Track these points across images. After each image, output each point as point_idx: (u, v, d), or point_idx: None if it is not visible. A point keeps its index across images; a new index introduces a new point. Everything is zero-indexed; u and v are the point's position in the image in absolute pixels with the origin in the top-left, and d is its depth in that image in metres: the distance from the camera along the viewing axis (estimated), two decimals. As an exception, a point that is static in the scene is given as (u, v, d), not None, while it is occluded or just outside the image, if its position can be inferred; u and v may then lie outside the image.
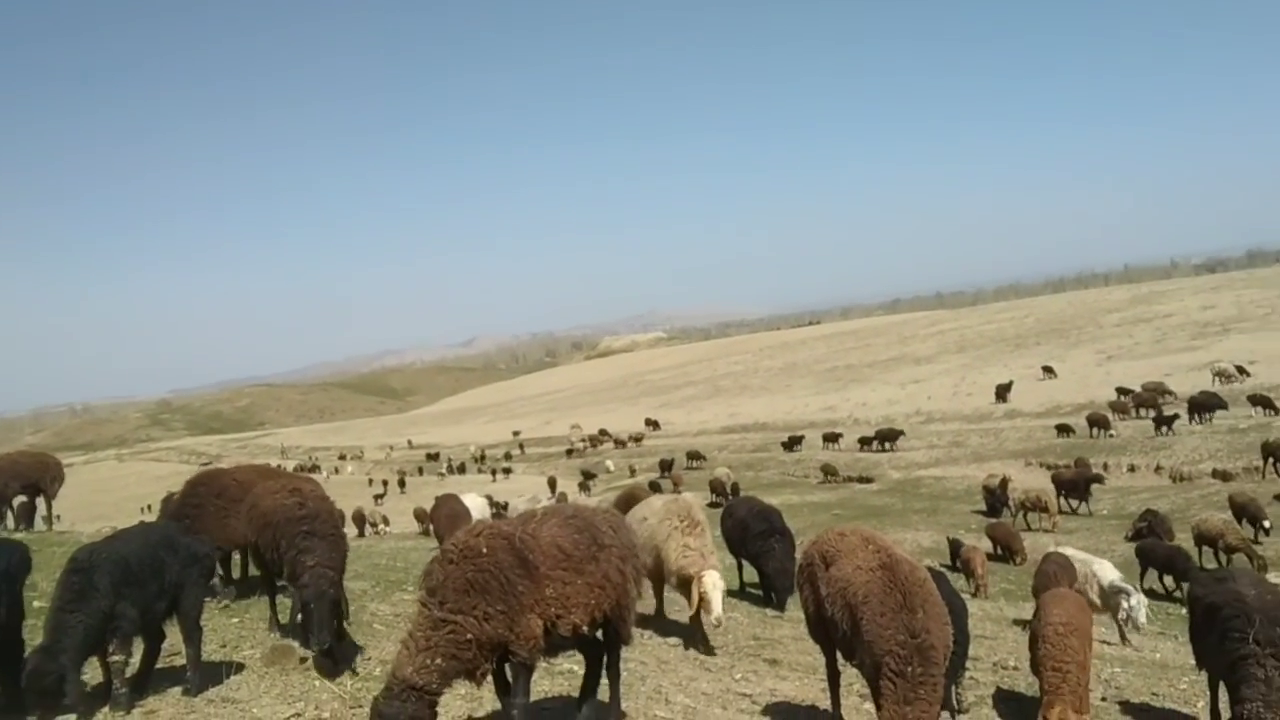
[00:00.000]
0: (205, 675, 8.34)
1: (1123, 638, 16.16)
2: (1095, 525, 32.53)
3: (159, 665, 8.47)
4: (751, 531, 15.54)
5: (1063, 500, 35.56)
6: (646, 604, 13.81)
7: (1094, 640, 10.88)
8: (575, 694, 8.13)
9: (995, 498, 35.70)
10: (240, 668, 8.89)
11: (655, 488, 43.42)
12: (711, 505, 37.61)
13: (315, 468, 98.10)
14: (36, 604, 9.50)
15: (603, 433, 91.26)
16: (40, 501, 19.40)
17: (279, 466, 19.03)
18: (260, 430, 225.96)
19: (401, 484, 76.84)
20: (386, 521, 44.73)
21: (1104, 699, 11.35)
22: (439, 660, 6.42)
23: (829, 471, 51.35)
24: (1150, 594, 18.58)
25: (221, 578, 11.52)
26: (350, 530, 29.18)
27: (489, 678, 6.93)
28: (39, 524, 19.56)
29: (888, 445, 58.18)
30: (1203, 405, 46.20)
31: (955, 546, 25.47)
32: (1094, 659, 10.85)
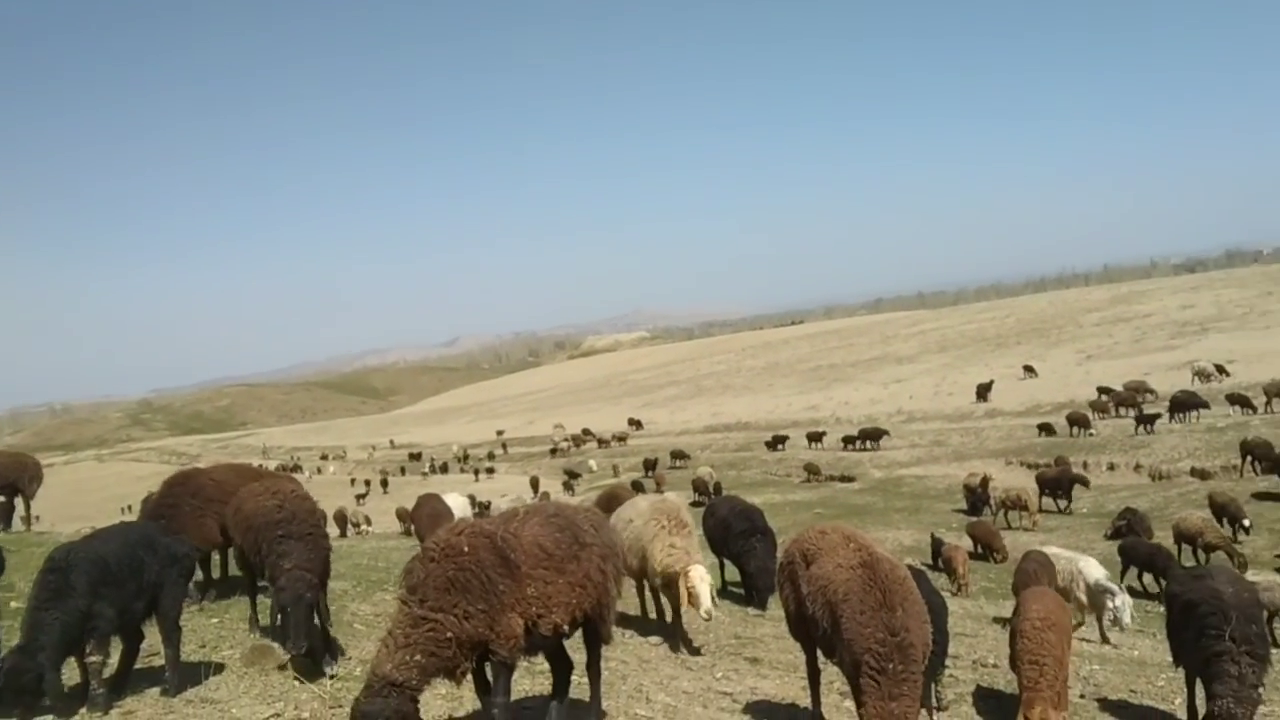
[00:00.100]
0: (184, 676, 8.30)
1: (1103, 636, 16.25)
2: (1075, 524, 32.69)
3: (137, 666, 8.43)
4: (733, 530, 15.56)
5: (1045, 499, 35.74)
6: (630, 604, 13.84)
7: (1073, 637, 10.96)
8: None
9: (976, 496, 35.83)
10: (219, 668, 8.86)
11: (638, 487, 43.43)
12: (694, 504, 37.61)
13: (297, 468, 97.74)
14: (14, 605, 9.46)
15: (586, 432, 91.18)
16: (19, 502, 19.29)
17: (260, 466, 18.93)
18: (242, 430, 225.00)
19: (384, 484, 76.64)
20: (369, 521, 44.62)
21: (1082, 696, 11.41)
22: (418, 657, 6.40)
23: (811, 470, 51.43)
24: (1129, 591, 18.65)
25: (199, 583, 11.46)
26: (332, 530, 29.07)
27: (469, 677, 6.92)
28: (17, 524, 19.45)
29: (871, 444, 58.28)
30: (1184, 404, 46.45)
31: (937, 545, 25.58)
32: (1073, 656, 10.92)
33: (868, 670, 7.02)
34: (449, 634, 6.49)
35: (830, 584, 7.62)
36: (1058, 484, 35.71)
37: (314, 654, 8.62)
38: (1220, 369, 55.50)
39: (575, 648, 7.82)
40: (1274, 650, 16.18)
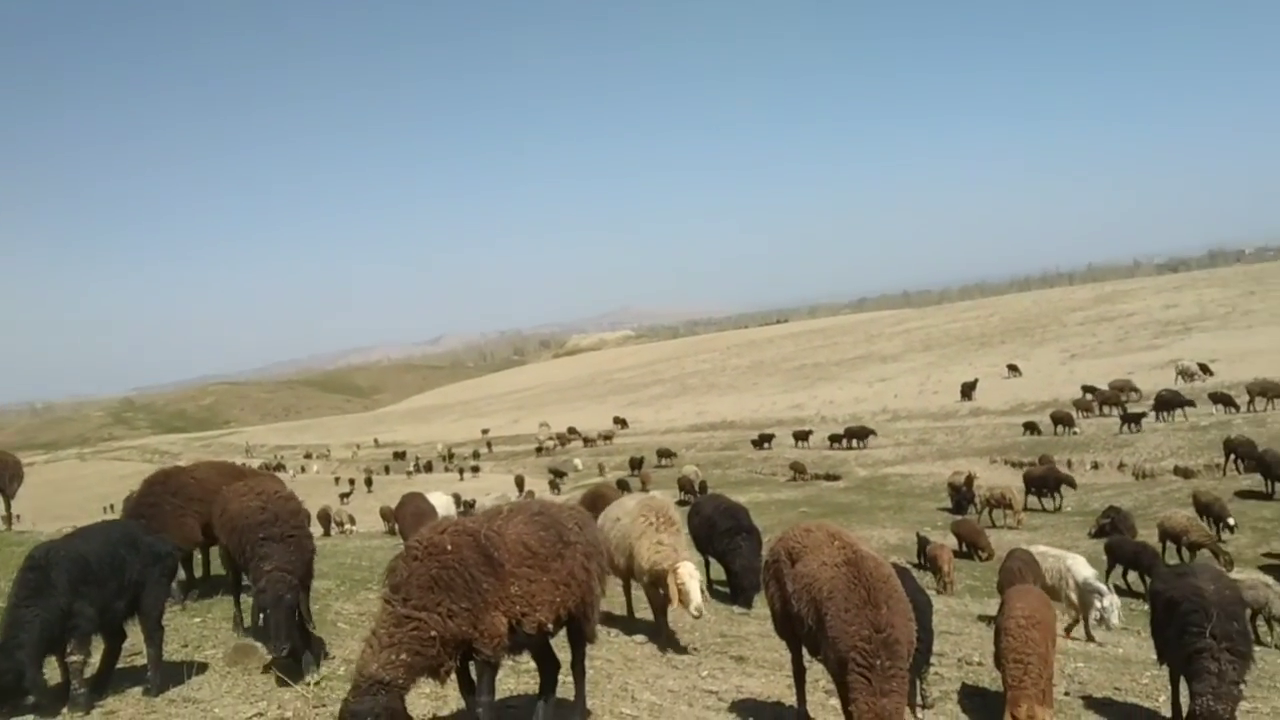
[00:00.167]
0: (166, 675, 8.23)
1: (1087, 633, 16.32)
2: (1059, 522, 32.84)
3: (119, 665, 8.36)
4: (718, 529, 15.57)
5: (1032, 497, 35.92)
6: (616, 603, 13.82)
7: (1057, 635, 10.99)
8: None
9: (961, 495, 35.98)
10: (202, 667, 8.79)
11: (623, 486, 43.42)
12: (680, 503, 37.63)
13: (281, 466, 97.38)
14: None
15: (572, 431, 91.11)
16: (0, 501, 19.17)
17: (244, 465, 18.80)
18: (225, 429, 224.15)
19: (368, 483, 76.40)
20: (352, 520, 44.49)
21: (1067, 694, 11.44)
22: (404, 656, 6.37)
23: (797, 469, 51.52)
24: (1114, 589, 18.72)
25: (182, 582, 11.37)
26: (316, 530, 28.95)
27: (453, 676, 6.89)
28: (-3, 523, 19.32)
29: (858, 443, 58.36)
30: (1170, 403, 46.70)
31: (922, 543, 25.68)
32: (1058, 654, 10.94)
33: (856, 667, 7.02)
34: (433, 632, 6.45)
35: (815, 581, 7.62)
36: (1044, 483, 35.88)
37: (296, 654, 8.57)
38: (1204, 368, 55.80)
39: (561, 646, 7.79)
40: (1263, 647, 16.38)
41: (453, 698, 7.88)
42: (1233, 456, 35.50)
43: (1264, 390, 44.60)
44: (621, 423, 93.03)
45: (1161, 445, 42.40)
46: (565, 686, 8.05)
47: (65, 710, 7.49)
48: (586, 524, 7.74)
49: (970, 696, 10.91)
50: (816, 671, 8.94)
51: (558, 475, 64.21)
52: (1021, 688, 8.97)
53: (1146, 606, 12.60)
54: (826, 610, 7.39)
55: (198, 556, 12.40)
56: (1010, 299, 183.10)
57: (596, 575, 7.59)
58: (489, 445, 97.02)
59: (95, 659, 8.03)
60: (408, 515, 20.06)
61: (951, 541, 28.04)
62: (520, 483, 60.66)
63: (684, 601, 11.08)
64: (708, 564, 16.79)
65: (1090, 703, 11.15)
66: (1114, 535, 25.60)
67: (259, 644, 8.91)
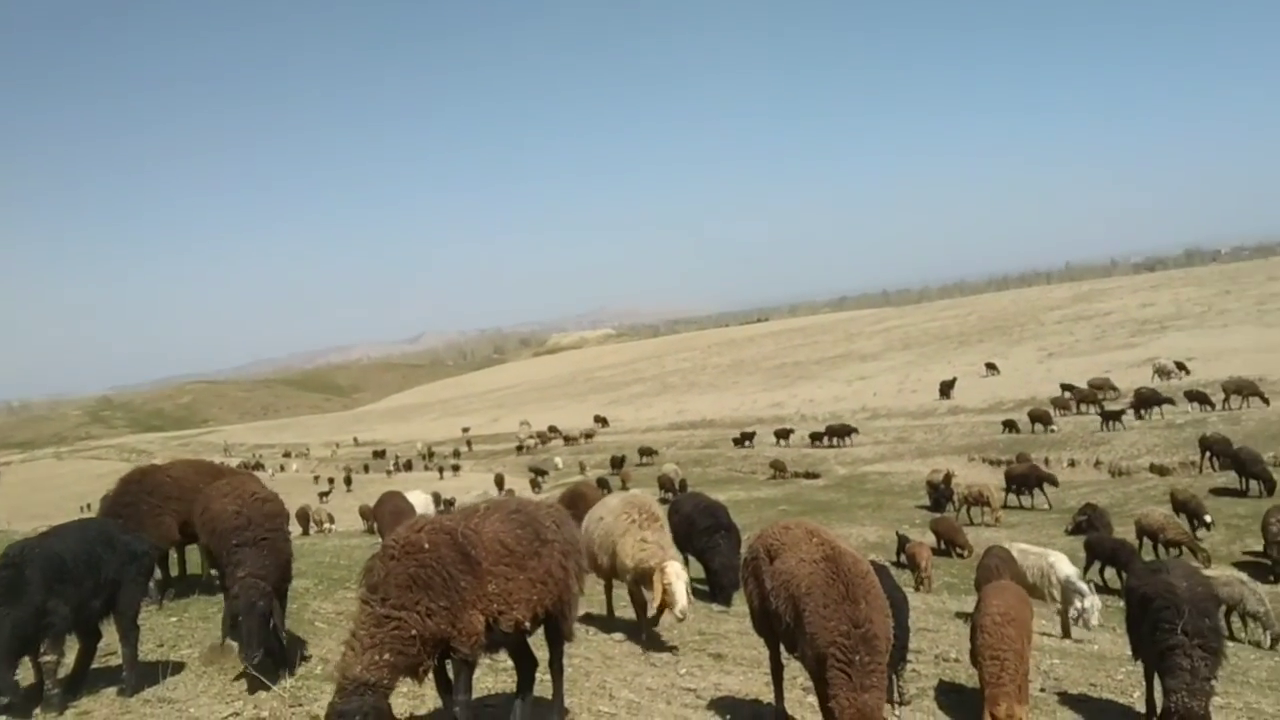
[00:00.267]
0: (142, 675, 8.20)
1: (1064, 630, 16.41)
2: (1036, 519, 33.04)
3: (94, 665, 8.31)
4: (697, 527, 15.56)
5: (1010, 495, 36.14)
6: (595, 602, 13.82)
7: (1033, 632, 11.05)
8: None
9: (939, 492, 36.16)
10: (178, 667, 8.76)
11: (603, 484, 43.45)
12: (660, 501, 37.62)
13: (259, 465, 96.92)
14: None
15: (552, 429, 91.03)
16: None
17: (222, 464, 18.71)
18: (203, 428, 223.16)
19: (348, 482, 76.13)
20: (331, 519, 44.37)
21: (1043, 690, 11.50)
22: (387, 656, 6.35)
23: (777, 467, 51.62)
24: (1093, 586, 18.83)
25: (159, 581, 11.31)
26: (295, 529, 28.86)
27: (430, 675, 6.88)
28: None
29: (839, 441, 58.46)
30: (1149, 400, 47.06)
31: (902, 542, 25.79)
32: (1033, 650, 11.01)
33: (835, 663, 7.04)
34: (413, 631, 6.44)
35: (793, 578, 7.64)
36: (1025, 481, 36.09)
37: (272, 653, 8.53)
38: (1181, 366, 56.24)
39: (540, 645, 7.79)
40: (1231, 643, 16.52)
41: (430, 696, 7.88)
42: (1208, 454, 35.79)
43: (1239, 388, 45.02)
44: (602, 421, 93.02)
45: (1137, 443, 42.71)
46: (544, 685, 8.04)
47: (39, 711, 7.45)
48: (564, 522, 7.73)
49: (947, 693, 10.96)
50: (794, 669, 8.96)
51: (539, 474, 64.15)
52: (1000, 685, 9.01)
53: (1122, 603, 12.69)
54: (805, 606, 7.41)
55: (174, 555, 12.32)
56: (989, 298, 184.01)
57: (574, 573, 7.59)
58: (469, 444, 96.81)
59: (70, 659, 7.99)
60: (386, 514, 19.96)
61: (930, 539, 28.17)
62: (500, 481, 60.56)
63: (669, 602, 10.91)
64: (687, 562, 16.78)
65: (1066, 699, 11.21)
66: (1092, 532, 25.79)
67: (235, 643, 8.86)
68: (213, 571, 11.76)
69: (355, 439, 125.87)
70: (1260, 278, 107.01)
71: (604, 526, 12.13)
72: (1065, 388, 57.72)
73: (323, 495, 64.85)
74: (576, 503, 17.95)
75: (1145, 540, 24.43)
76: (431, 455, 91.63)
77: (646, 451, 65.55)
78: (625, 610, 12.94)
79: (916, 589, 22.43)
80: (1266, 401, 43.53)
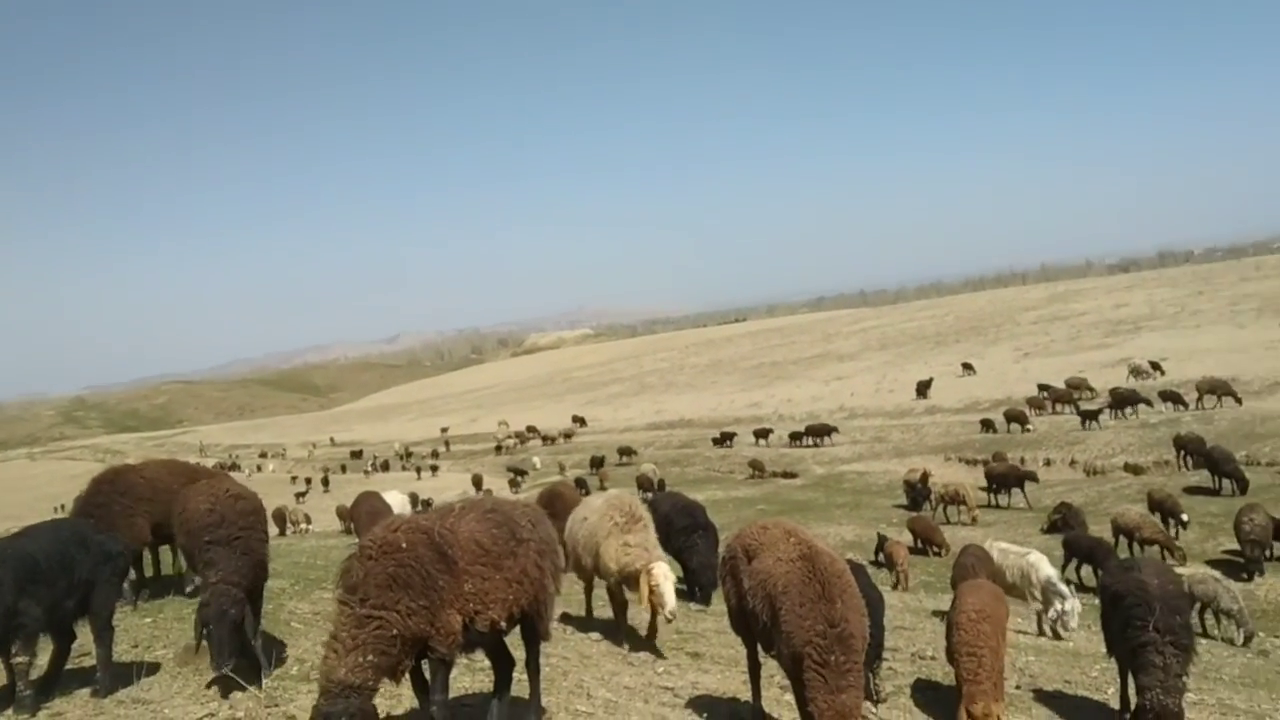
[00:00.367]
0: (116, 676, 8.14)
1: (1040, 628, 16.51)
2: (1012, 518, 33.24)
3: (67, 666, 8.25)
4: (675, 527, 15.56)
5: (985, 493, 36.35)
6: (573, 601, 13.81)
7: (1009, 629, 11.12)
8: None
9: (916, 492, 36.32)
10: (153, 668, 8.70)
11: (581, 484, 43.42)
12: (638, 501, 37.67)
13: (235, 466, 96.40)
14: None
15: (531, 429, 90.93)
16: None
17: (197, 464, 18.57)
18: (179, 428, 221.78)
19: (325, 482, 75.78)
20: (308, 520, 44.19)
21: (1018, 687, 11.57)
22: (370, 657, 6.32)
23: (755, 467, 51.68)
24: (1067, 584, 18.96)
25: (133, 582, 11.21)
26: (271, 530, 28.71)
27: (406, 675, 6.85)
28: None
29: (818, 441, 58.53)
30: (1126, 400, 47.42)
31: (882, 541, 25.88)
32: (1009, 648, 11.07)
33: (811, 664, 7.06)
34: (394, 632, 6.42)
35: (770, 577, 7.66)
36: (1006, 480, 36.27)
37: (248, 654, 8.48)
38: (1156, 366, 56.68)
39: (517, 644, 7.77)
40: (1206, 640, 16.68)
41: (406, 696, 7.85)
42: (1182, 453, 36.09)
43: (1212, 388, 45.42)
44: (580, 421, 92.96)
45: (1112, 442, 43.02)
46: (521, 684, 8.03)
47: (10, 711, 7.39)
48: (539, 521, 7.71)
49: (923, 691, 11.01)
50: (771, 667, 8.98)
51: (518, 474, 64.04)
52: (976, 682, 9.07)
53: (1097, 600, 12.78)
54: (781, 606, 7.44)
55: (148, 556, 12.23)
56: (965, 298, 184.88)
57: (549, 573, 7.57)
58: (447, 444, 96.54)
59: (43, 660, 7.92)
60: (362, 514, 19.89)
61: (907, 538, 28.30)
62: (478, 482, 60.40)
63: (658, 603, 10.79)
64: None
65: (1041, 696, 11.29)
66: (1068, 531, 25.97)
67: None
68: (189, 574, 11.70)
69: (332, 439, 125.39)
70: (1232, 278, 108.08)
71: (587, 528, 12.02)
72: (1042, 388, 58.06)
73: (299, 496, 64.53)
74: (554, 502, 17.90)
75: (1122, 539, 24.60)
76: (409, 455, 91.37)
77: (625, 451, 65.51)
78: (603, 610, 12.93)
79: (894, 588, 22.54)
80: (1239, 401, 43.94)
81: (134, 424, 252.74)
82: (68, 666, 8.26)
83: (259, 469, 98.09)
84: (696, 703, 9.50)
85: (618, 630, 12.04)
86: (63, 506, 63.55)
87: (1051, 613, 15.91)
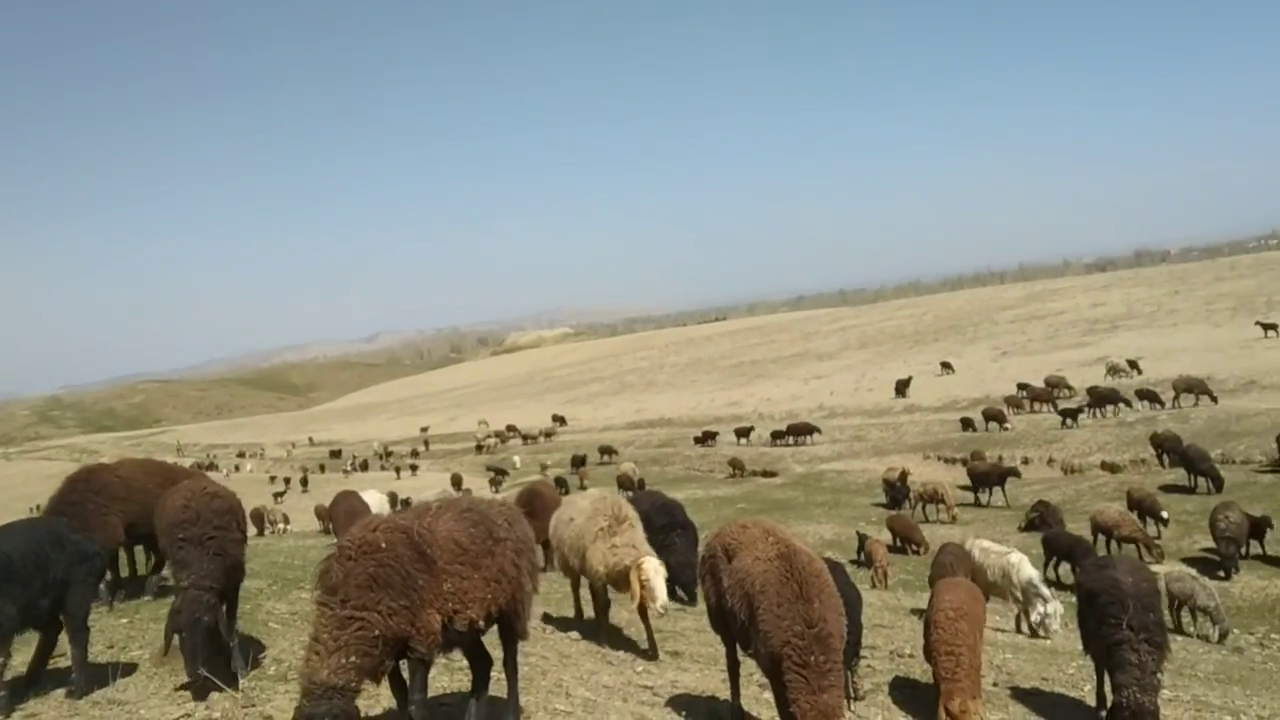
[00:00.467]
0: (91, 677, 8.06)
1: (1018, 626, 16.59)
2: (990, 516, 33.42)
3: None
4: (653, 525, 15.54)
5: (966, 492, 36.55)
6: (552, 600, 13.79)
7: (986, 627, 11.18)
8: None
9: (895, 490, 36.48)
10: (129, 669, 8.61)
11: (561, 484, 43.39)
12: (618, 501, 37.65)
13: (213, 466, 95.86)
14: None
15: (511, 428, 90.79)
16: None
17: (175, 463, 18.45)
18: (156, 428, 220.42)
19: (304, 482, 75.42)
20: (286, 520, 44.01)
21: (995, 684, 11.63)
22: (353, 658, 6.28)
23: (736, 466, 51.73)
24: (1047, 581, 19.08)
25: (109, 583, 11.13)
26: (249, 530, 28.58)
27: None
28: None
29: (800, 440, 58.59)
30: (1106, 399, 47.73)
31: (862, 541, 25.98)
32: (986, 645, 11.13)
33: (791, 665, 7.07)
34: (376, 632, 6.38)
35: (749, 576, 7.67)
36: (988, 478, 36.44)
37: (225, 654, 8.42)
38: (1133, 365, 57.08)
39: (495, 644, 7.76)
40: (1180, 637, 16.80)
41: (384, 696, 7.82)
42: (1160, 451, 36.37)
43: (1188, 387, 45.80)
44: (560, 420, 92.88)
45: (1089, 441, 43.32)
46: (500, 684, 8.02)
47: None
48: (516, 520, 7.70)
49: (901, 689, 11.05)
50: (751, 666, 9.00)
51: (498, 473, 63.87)
52: (955, 680, 9.11)
53: (1074, 598, 12.86)
54: (759, 604, 7.45)
55: (124, 556, 12.14)
56: (943, 298, 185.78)
57: (527, 572, 7.56)
58: (426, 444, 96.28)
59: (18, 660, 7.86)
60: (340, 514, 19.85)
61: (886, 536, 28.41)
62: (457, 481, 60.23)
63: (649, 597, 10.70)
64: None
65: (1018, 693, 11.35)
66: (1048, 529, 26.12)
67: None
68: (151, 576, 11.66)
69: (311, 439, 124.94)
70: (1208, 278, 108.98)
71: (574, 529, 11.93)
72: (1021, 386, 58.37)
73: (278, 496, 64.21)
74: (532, 501, 17.90)
75: (1100, 536, 24.76)
76: (389, 455, 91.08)
77: (606, 450, 65.44)
78: (584, 608, 12.92)
79: (873, 586, 22.62)
80: (1215, 400, 44.33)
81: (110, 423, 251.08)
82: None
83: (237, 469, 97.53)
84: (676, 701, 9.51)
85: (598, 629, 12.04)
86: (38, 507, 62.80)
87: (1035, 616, 15.97)
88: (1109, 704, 9.45)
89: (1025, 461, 42.86)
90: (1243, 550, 23.11)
